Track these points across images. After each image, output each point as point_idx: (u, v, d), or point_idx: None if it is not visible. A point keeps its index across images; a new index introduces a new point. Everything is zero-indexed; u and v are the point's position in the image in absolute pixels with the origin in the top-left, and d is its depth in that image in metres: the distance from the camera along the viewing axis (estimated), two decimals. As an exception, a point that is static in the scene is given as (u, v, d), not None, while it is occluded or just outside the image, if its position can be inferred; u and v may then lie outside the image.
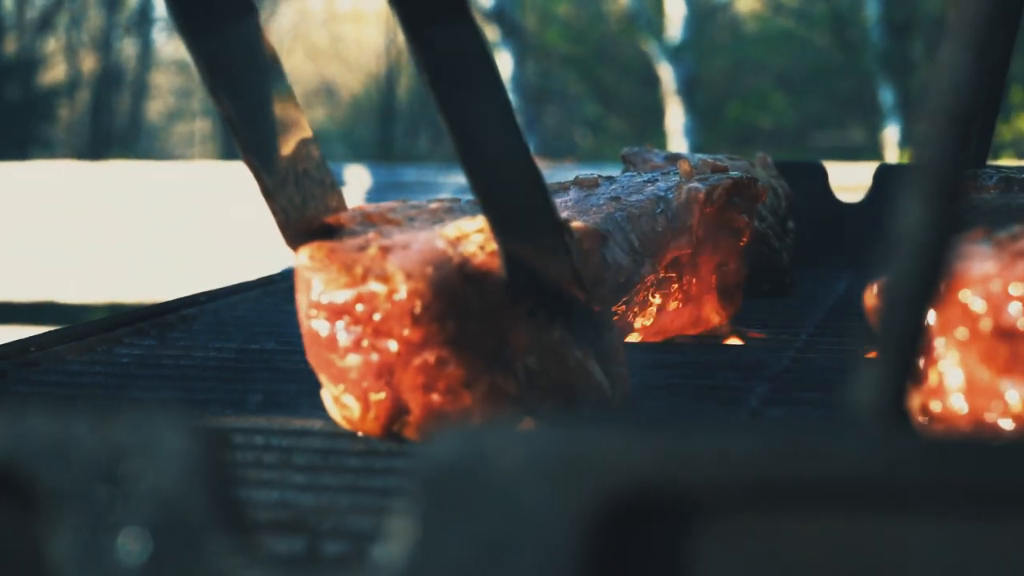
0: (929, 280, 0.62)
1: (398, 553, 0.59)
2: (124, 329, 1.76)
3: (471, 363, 1.18)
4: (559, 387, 1.26)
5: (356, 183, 6.89)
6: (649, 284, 1.71)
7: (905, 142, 12.21)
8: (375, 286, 1.18)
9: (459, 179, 6.88)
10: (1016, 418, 1.03)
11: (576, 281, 1.25)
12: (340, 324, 1.20)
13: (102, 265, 7.17)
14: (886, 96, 12.82)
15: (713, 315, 1.81)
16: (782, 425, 0.57)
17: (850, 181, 3.22)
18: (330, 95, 15.02)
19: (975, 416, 1.05)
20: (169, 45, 14.19)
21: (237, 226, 6.81)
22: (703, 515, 0.57)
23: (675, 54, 12.00)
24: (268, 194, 1.23)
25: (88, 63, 12.74)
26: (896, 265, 0.61)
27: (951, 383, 1.07)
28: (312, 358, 1.25)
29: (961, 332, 1.06)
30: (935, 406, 1.07)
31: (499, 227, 1.18)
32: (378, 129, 14.53)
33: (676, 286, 1.75)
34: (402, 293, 1.17)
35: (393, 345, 1.18)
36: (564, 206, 1.68)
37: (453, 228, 1.23)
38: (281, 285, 2.15)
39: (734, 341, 1.78)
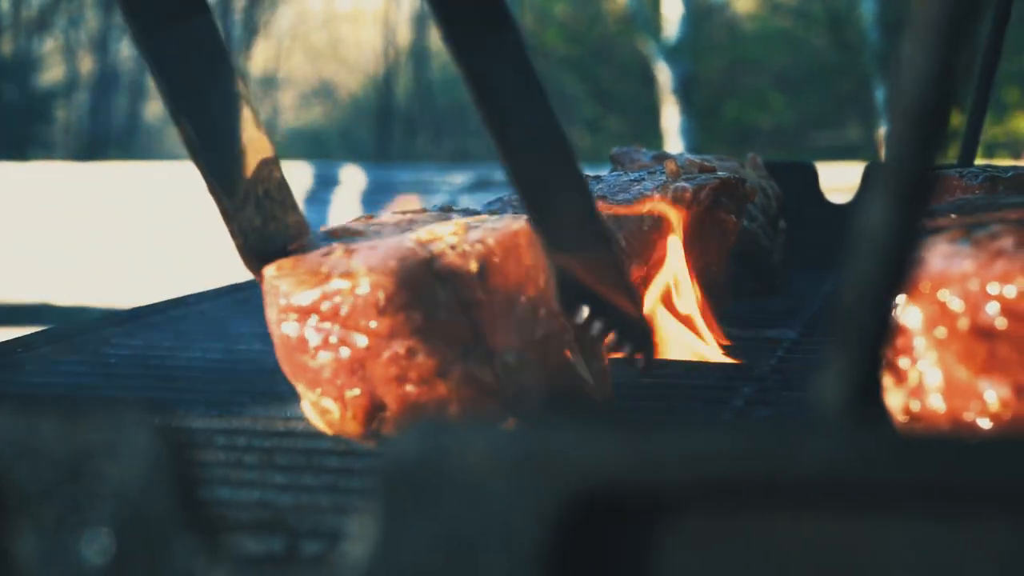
0: (893, 278, 0.62)
1: (362, 551, 0.59)
2: (111, 330, 1.76)
3: (442, 352, 1.19)
4: (542, 384, 1.27)
5: (352, 183, 6.89)
6: (636, 282, 1.71)
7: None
8: (339, 283, 1.20)
9: (455, 179, 6.88)
10: (994, 417, 1.03)
11: (626, 293, 1.28)
12: (309, 324, 1.21)
13: (100, 266, 7.17)
14: (883, 95, 12.82)
15: (703, 314, 1.81)
16: (747, 424, 0.57)
17: (844, 181, 3.21)
18: (329, 95, 15.02)
19: (954, 415, 1.05)
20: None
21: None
22: (669, 513, 0.57)
23: (672, 54, 12.00)
24: (227, 216, 1.24)
25: (86, 64, 12.73)
26: (860, 263, 0.61)
27: (930, 382, 1.07)
28: (286, 367, 1.26)
29: (940, 331, 1.06)
30: (914, 405, 1.07)
31: (550, 242, 1.22)
32: (376, 129, 14.53)
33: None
34: (365, 286, 1.18)
35: (362, 339, 1.19)
36: (551, 206, 1.68)
37: (425, 232, 1.24)
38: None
39: (723, 341, 1.78)
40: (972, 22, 0.61)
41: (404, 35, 14.43)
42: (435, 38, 14.61)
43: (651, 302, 1.66)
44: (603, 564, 0.58)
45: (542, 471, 0.57)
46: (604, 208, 1.67)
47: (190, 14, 1.21)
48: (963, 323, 1.04)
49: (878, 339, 0.61)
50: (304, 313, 1.21)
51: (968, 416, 1.04)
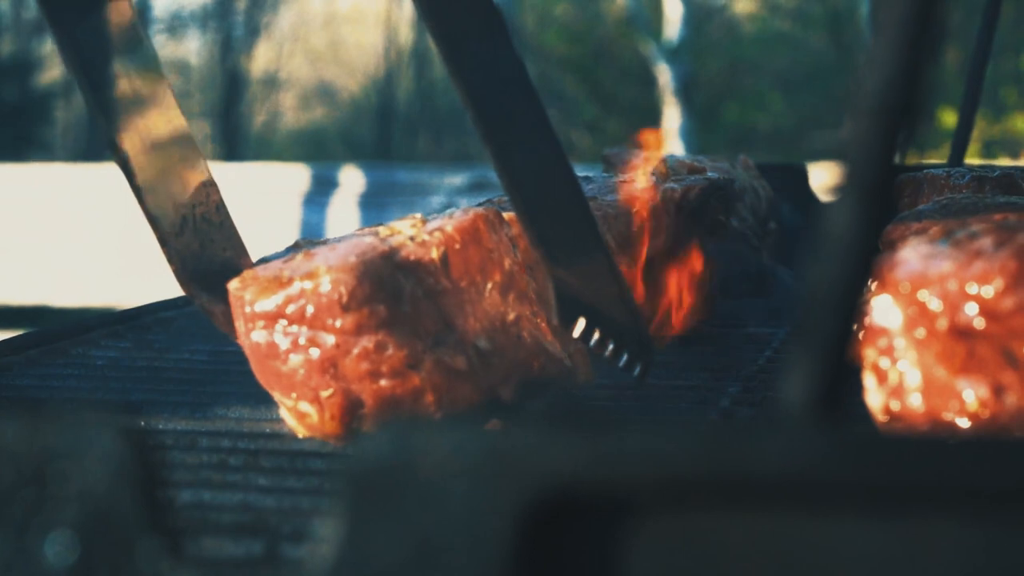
0: (856, 278, 0.62)
1: (327, 552, 0.59)
2: (100, 332, 1.76)
3: (412, 343, 1.19)
4: (518, 366, 1.27)
5: (350, 185, 6.88)
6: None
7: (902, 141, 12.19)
8: (301, 284, 1.20)
9: (453, 180, 6.88)
10: (973, 417, 1.03)
11: (625, 303, 1.29)
12: (276, 329, 1.21)
13: (99, 267, 7.17)
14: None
15: (691, 315, 1.81)
16: (708, 425, 0.58)
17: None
18: (329, 96, 15.02)
19: (933, 415, 1.05)
20: (167, 47, 14.18)
21: (240, 228, 6.80)
22: (631, 513, 0.58)
23: (673, 55, 12.00)
24: (163, 241, 1.25)
25: (86, 65, 12.70)
26: (822, 264, 0.61)
27: (910, 382, 1.07)
28: (261, 376, 1.26)
29: (919, 332, 1.06)
30: (894, 405, 1.07)
31: (549, 256, 1.24)
32: (377, 130, 14.53)
33: (653, 287, 1.75)
34: (326, 284, 1.19)
35: (330, 338, 1.20)
36: (539, 207, 1.68)
37: (384, 228, 1.25)
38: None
39: (711, 341, 1.78)
40: (936, 23, 0.61)
41: (405, 36, 14.43)
42: (435, 39, 14.60)
43: None
44: (566, 563, 0.58)
45: (506, 472, 0.57)
46: (593, 209, 1.67)
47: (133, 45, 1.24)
48: (942, 323, 1.04)
49: (842, 339, 0.61)
50: (270, 319, 1.21)
51: (947, 416, 1.04)
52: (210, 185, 1.30)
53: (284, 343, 1.23)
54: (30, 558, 0.62)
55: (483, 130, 1.19)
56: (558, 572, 0.59)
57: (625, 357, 1.31)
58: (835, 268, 0.61)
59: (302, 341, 1.22)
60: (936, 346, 1.05)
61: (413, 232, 1.25)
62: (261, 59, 13.93)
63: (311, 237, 1.38)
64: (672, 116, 12.26)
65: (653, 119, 12.82)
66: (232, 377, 1.55)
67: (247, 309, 1.24)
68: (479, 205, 1.71)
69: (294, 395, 1.25)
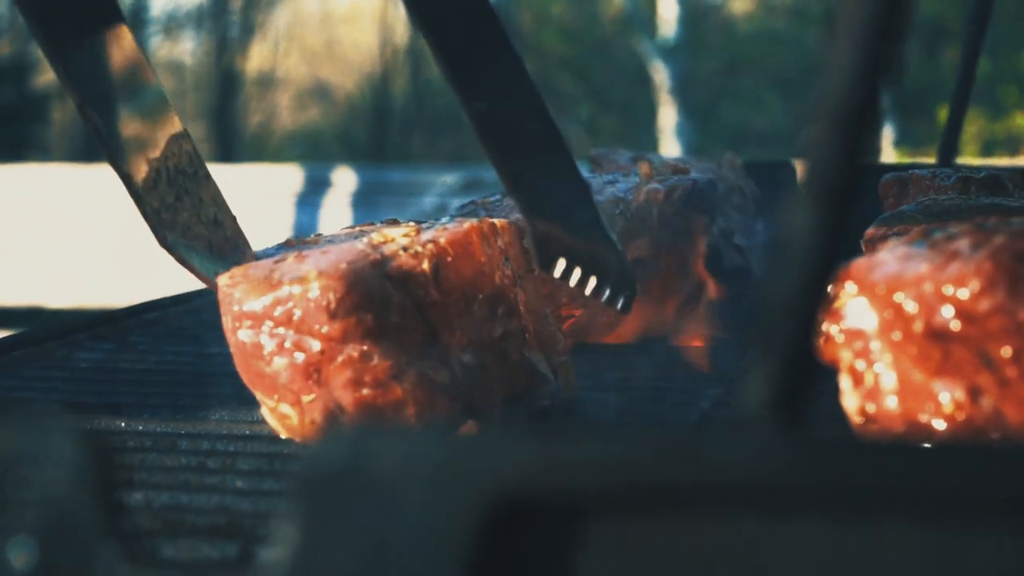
0: (816, 282, 0.62)
1: (282, 556, 0.59)
2: (85, 333, 1.76)
3: (396, 355, 1.19)
4: (502, 382, 1.27)
5: (343, 185, 6.88)
6: (608, 286, 1.70)
7: (900, 141, 12.21)
8: (291, 288, 1.20)
9: (446, 180, 6.88)
10: (948, 419, 1.03)
11: (606, 242, 1.30)
12: (263, 330, 1.21)
13: (94, 268, 7.17)
14: (881, 96, 12.82)
15: (675, 316, 1.81)
16: (662, 429, 0.57)
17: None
18: (325, 95, 15.01)
19: (909, 417, 1.05)
20: (163, 47, 14.17)
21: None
22: (585, 518, 0.57)
23: (669, 54, 11.99)
24: (138, 197, 1.24)
25: (82, 66, 12.69)
26: (782, 266, 0.61)
27: (886, 384, 1.07)
28: (244, 374, 1.26)
29: (896, 334, 1.06)
30: (870, 407, 1.07)
31: (527, 200, 1.24)
32: (373, 129, 14.52)
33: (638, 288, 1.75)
34: (315, 290, 1.18)
35: (315, 344, 1.20)
36: (523, 208, 1.68)
37: (378, 235, 1.25)
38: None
39: (695, 343, 1.78)
40: (896, 25, 0.61)
41: (401, 35, 14.43)
42: (432, 39, 14.60)
43: None
44: (520, 568, 0.58)
45: (460, 476, 0.57)
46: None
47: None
48: (918, 326, 1.04)
49: (802, 342, 0.61)
50: (258, 319, 1.21)
51: (923, 418, 1.04)
52: (183, 137, 1.30)
53: (270, 345, 1.23)
54: (-13, 564, 0.62)
55: (447, 68, 1.18)
56: (515, 577, 0.59)
57: (608, 291, 1.31)
58: (794, 271, 0.61)
59: (288, 344, 1.22)
60: (912, 348, 1.05)
61: (406, 241, 1.24)
62: (256, 59, 13.93)
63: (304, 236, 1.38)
64: (668, 115, 12.26)
65: (650, 118, 12.83)
66: (215, 379, 1.54)
67: (235, 307, 1.24)
68: (464, 206, 1.71)
69: (276, 397, 1.25)
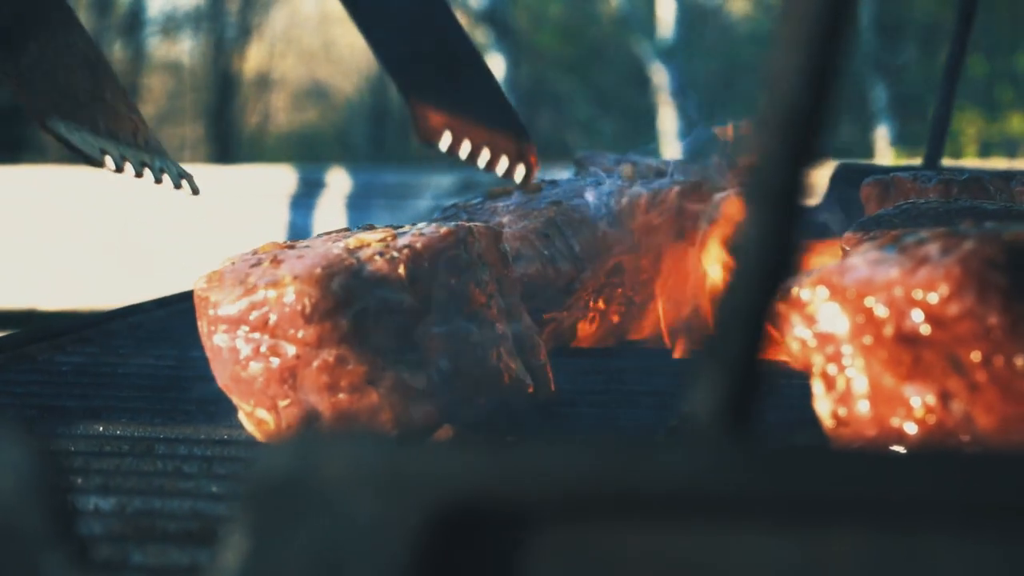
0: (765, 291, 0.62)
1: (229, 563, 0.59)
2: (68, 337, 1.76)
3: (372, 360, 1.19)
4: (479, 387, 1.27)
5: (337, 185, 6.87)
6: (592, 289, 1.71)
7: (898, 141, 12.21)
8: (266, 292, 1.20)
9: (440, 182, 6.88)
10: (920, 423, 1.03)
11: (504, 111, 1.24)
12: (239, 335, 1.21)
13: (90, 270, 7.16)
14: (878, 96, 12.83)
15: (659, 320, 1.81)
16: (608, 438, 0.57)
17: (818, 182, 3.21)
18: (323, 97, 15.01)
19: (880, 421, 1.05)
20: (160, 48, 14.16)
21: (229, 231, 6.81)
22: (530, 526, 0.57)
23: (667, 56, 11.99)
24: (4, 74, 1.22)
25: (79, 67, 12.69)
26: (731, 275, 0.61)
27: (857, 389, 1.07)
28: (220, 378, 1.26)
29: (866, 338, 1.06)
30: (842, 412, 1.07)
31: (409, 75, 1.18)
32: (371, 130, 14.51)
33: (620, 291, 1.75)
34: (290, 295, 1.18)
35: (291, 349, 1.20)
36: (505, 210, 1.68)
37: (354, 240, 1.25)
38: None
39: (679, 346, 1.78)
40: (843, 32, 0.61)
41: (398, 37, 14.40)
42: (429, 40, 14.59)
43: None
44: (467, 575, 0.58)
45: (406, 485, 0.57)
46: (558, 213, 1.67)
47: None
48: (888, 330, 1.04)
49: (750, 352, 0.61)
50: (233, 324, 1.21)
51: (895, 422, 1.04)
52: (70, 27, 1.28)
53: (245, 349, 1.23)
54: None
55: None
56: (464, 585, 0.59)
57: (505, 163, 1.27)
58: (742, 280, 0.61)
59: (263, 349, 1.22)
60: (883, 353, 1.05)
61: (382, 247, 1.24)
62: (254, 60, 13.92)
63: (297, 239, 1.38)
64: (668, 117, 12.26)
65: (649, 119, 12.83)
66: (196, 383, 1.54)
67: (211, 312, 1.24)
68: (445, 210, 1.71)
69: (252, 401, 1.25)
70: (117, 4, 13.29)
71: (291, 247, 1.31)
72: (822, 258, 1.41)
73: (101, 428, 1.34)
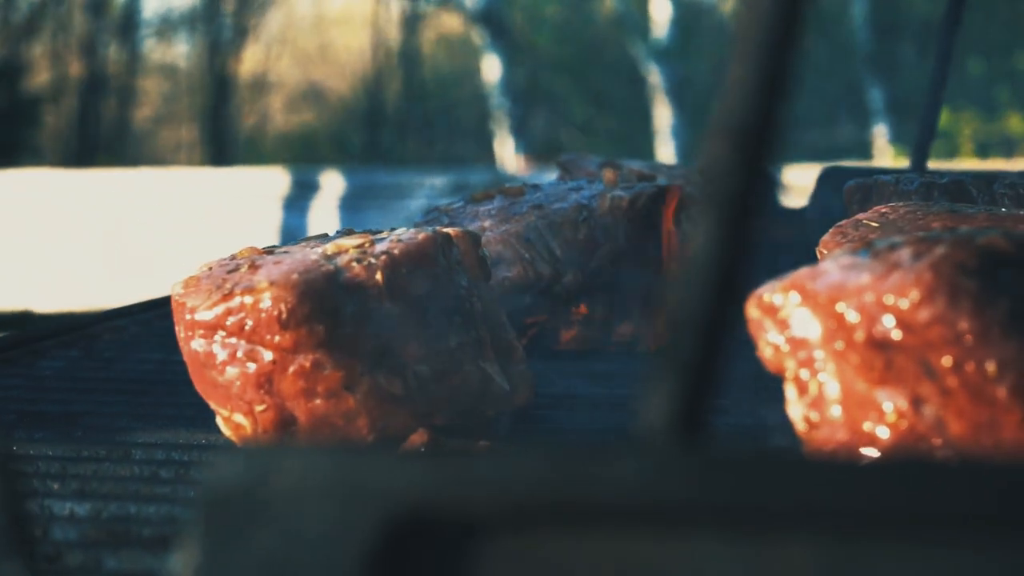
0: (717, 300, 0.62)
1: (179, 573, 0.59)
2: (52, 341, 1.76)
3: (349, 365, 1.19)
4: (457, 392, 1.27)
5: (331, 187, 6.88)
6: (574, 293, 1.71)
7: (896, 140, 12.22)
8: (243, 298, 1.20)
9: (434, 182, 6.88)
10: (892, 427, 1.03)
11: None
12: (215, 340, 1.21)
13: (86, 271, 7.16)
14: (874, 96, 12.84)
15: (638, 324, 1.81)
16: (557, 448, 0.57)
17: (807, 182, 3.21)
18: (318, 98, 15.00)
19: (852, 426, 1.05)
20: (156, 50, 14.15)
21: (226, 232, 6.81)
22: (480, 536, 0.58)
23: (662, 55, 11.99)
24: None
25: (74, 68, 12.70)
26: (682, 283, 0.61)
27: (829, 393, 1.07)
28: (198, 383, 1.27)
29: (838, 343, 1.06)
30: (814, 416, 1.07)
31: None
32: (367, 131, 14.51)
33: (602, 294, 1.75)
34: (267, 300, 1.18)
35: (267, 354, 1.20)
36: (487, 214, 1.68)
37: (332, 245, 1.25)
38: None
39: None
40: (794, 42, 0.61)
41: (393, 37, 14.42)
42: (426, 40, 14.62)
43: None
44: (421, 587, 0.58)
45: (356, 496, 0.57)
46: (539, 217, 1.67)
47: None
48: (860, 335, 1.04)
49: (703, 360, 0.61)
50: (210, 329, 1.21)
51: (867, 427, 1.04)
52: None
53: (222, 354, 1.23)
54: None
55: None
56: (418, 594, 0.59)
57: None
58: (694, 288, 0.61)
59: (240, 354, 1.22)
60: (855, 358, 1.05)
61: (359, 253, 1.24)
62: (249, 62, 13.91)
63: (293, 239, 1.38)
64: (663, 116, 12.26)
65: (644, 119, 12.83)
66: (177, 387, 1.54)
67: (187, 317, 1.24)
68: (427, 213, 1.71)
69: (229, 406, 1.25)
70: (112, 6, 13.28)
71: (269, 252, 1.31)
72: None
73: (80, 433, 1.34)
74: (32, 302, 7.19)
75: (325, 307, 1.19)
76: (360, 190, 6.88)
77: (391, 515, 0.57)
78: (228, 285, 1.22)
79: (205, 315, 1.21)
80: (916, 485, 0.56)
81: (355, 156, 13.67)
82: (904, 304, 1.02)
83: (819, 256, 1.38)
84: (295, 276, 1.19)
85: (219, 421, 1.28)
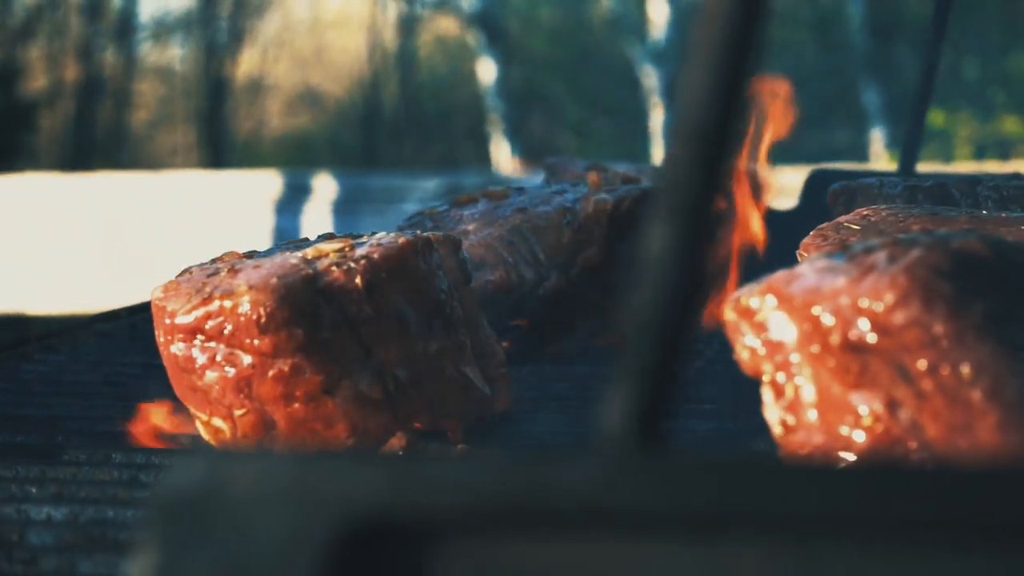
0: (675, 306, 0.62)
1: (140, 580, 0.59)
2: (36, 344, 1.76)
3: (328, 369, 1.20)
4: (437, 397, 1.27)
5: (324, 190, 6.88)
6: (557, 296, 1.71)
7: (892, 144, 12.22)
8: (222, 302, 1.20)
9: (426, 185, 6.88)
10: (868, 431, 1.03)
11: None
12: (194, 344, 1.21)
13: (83, 274, 7.16)
14: (871, 98, 12.84)
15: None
16: (517, 452, 0.58)
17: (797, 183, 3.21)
18: (315, 101, 15.00)
19: (828, 429, 1.05)
20: (152, 53, 14.14)
21: (223, 235, 6.81)
22: (437, 540, 0.58)
23: (658, 57, 12.00)
24: None
25: (70, 72, 12.70)
26: (639, 289, 0.61)
27: (805, 397, 1.07)
28: (177, 387, 1.27)
29: (814, 347, 1.06)
30: (790, 420, 1.07)
31: None
32: (363, 134, 14.50)
33: (586, 298, 1.75)
34: (245, 304, 1.19)
35: (246, 358, 1.20)
36: (471, 218, 1.68)
37: (312, 249, 1.25)
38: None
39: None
40: (752, 46, 0.61)
41: (390, 40, 14.42)
42: (422, 43, 14.63)
43: None
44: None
45: (313, 501, 0.57)
46: (523, 220, 1.67)
47: None
48: (835, 338, 1.04)
49: (661, 367, 0.61)
50: (189, 333, 1.21)
51: (843, 430, 1.04)
52: None
53: (201, 358, 1.23)
54: None
55: None
56: (376, 599, 0.59)
57: None
58: (651, 293, 0.61)
59: (219, 358, 1.22)
60: (830, 361, 1.05)
61: (339, 257, 1.24)
62: (245, 65, 13.91)
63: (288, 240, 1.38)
64: (659, 118, 12.26)
65: (640, 121, 12.84)
66: (158, 391, 1.54)
67: (167, 321, 1.24)
68: (411, 217, 1.71)
69: (209, 411, 1.25)
70: (108, 9, 13.28)
71: (250, 256, 1.31)
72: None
73: (61, 437, 1.34)
74: (30, 305, 7.19)
75: (304, 311, 1.19)
76: (355, 193, 6.88)
77: (348, 519, 0.57)
78: (207, 289, 1.22)
79: (184, 319, 1.21)
80: (871, 489, 0.56)
81: (350, 159, 13.67)
82: (879, 307, 1.02)
83: (799, 258, 1.38)
84: (274, 280, 1.19)
85: (198, 425, 1.28)
